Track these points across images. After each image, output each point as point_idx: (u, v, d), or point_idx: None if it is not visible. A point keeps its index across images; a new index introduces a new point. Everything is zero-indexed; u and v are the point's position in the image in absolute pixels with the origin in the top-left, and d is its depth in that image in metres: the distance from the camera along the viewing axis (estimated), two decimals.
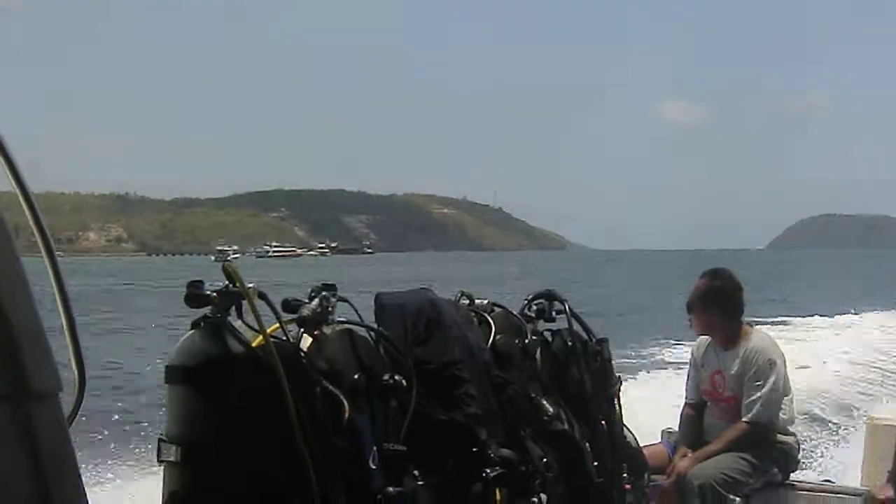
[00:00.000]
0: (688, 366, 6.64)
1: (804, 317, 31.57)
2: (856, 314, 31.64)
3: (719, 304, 6.21)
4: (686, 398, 6.51)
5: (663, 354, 22.44)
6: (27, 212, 2.62)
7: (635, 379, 15.84)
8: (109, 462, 11.18)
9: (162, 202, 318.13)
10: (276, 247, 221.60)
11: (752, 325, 6.36)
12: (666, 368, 18.49)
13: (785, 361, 6.24)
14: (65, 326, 2.67)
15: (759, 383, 6.07)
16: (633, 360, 20.65)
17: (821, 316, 31.50)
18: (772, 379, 6.07)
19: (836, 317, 31.12)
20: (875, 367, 18.97)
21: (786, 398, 6.22)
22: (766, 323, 20.59)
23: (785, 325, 27.77)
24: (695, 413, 6.43)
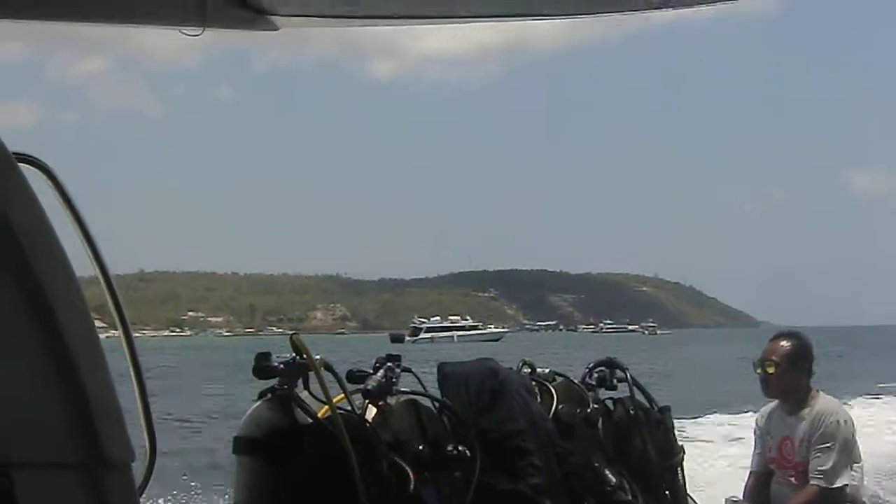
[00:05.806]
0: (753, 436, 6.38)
1: None
2: None
3: (809, 363, 6.01)
4: (751, 468, 6.28)
5: None
6: (105, 288, 2.82)
7: None
8: None
9: (370, 282, 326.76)
10: (608, 323, 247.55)
11: (818, 391, 6.08)
12: None
13: (854, 427, 5.91)
14: (137, 397, 2.84)
15: (828, 445, 5.79)
16: None
17: None
18: (840, 441, 5.78)
19: None
20: None
21: (856, 465, 5.88)
22: None
23: None
24: (760, 482, 6.18)
